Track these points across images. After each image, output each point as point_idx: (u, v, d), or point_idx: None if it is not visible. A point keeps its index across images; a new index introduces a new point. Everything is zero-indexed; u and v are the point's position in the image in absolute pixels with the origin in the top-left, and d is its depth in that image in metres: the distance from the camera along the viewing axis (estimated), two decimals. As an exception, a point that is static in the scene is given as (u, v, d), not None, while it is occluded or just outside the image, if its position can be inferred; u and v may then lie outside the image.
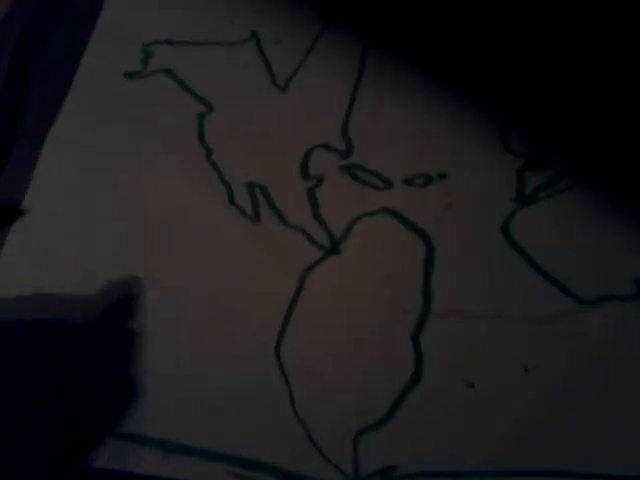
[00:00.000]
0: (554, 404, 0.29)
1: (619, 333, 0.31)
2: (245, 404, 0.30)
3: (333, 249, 0.34)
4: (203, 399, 0.31)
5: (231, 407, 0.30)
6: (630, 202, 0.33)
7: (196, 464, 0.29)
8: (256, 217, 0.35)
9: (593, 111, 0.36)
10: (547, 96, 0.37)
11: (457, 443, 0.29)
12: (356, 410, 0.30)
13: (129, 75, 0.41)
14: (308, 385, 0.30)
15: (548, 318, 0.31)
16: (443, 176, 0.35)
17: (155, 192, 0.36)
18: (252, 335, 0.32)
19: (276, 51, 0.40)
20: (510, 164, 0.35)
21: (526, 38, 0.38)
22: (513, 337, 0.31)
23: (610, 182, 0.34)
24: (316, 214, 0.35)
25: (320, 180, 0.36)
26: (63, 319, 0.32)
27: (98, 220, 0.36)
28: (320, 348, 0.31)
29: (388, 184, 0.35)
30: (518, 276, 0.32)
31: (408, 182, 0.35)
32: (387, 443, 0.29)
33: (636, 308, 0.31)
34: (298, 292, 0.33)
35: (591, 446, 0.29)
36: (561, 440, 0.29)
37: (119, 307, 0.33)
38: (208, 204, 0.36)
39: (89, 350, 0.32)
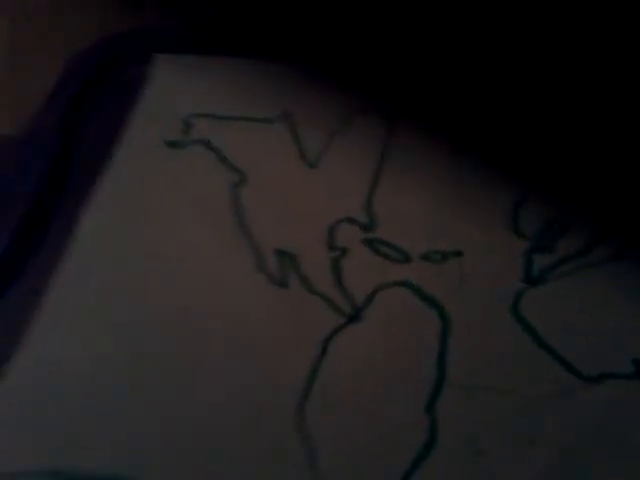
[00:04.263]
0: (557, 475, 0.30)
1: (619, 409, 0.31)
2: (264, 467, 0.31)
3: (355, 316, 0.35)
4: (219, 461, 0.31)
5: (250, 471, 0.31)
6: (629, 286, 0.35)
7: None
8: (283, 283, 0.36)
9: (601, 199, 0.37)
10: (557, 184, 0.38)
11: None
12: (374, 475, 0.30)
13: (170, 144, 0.42)
14: (328, 448, 0.31)
15: (554, 395, 0.32)
16: (458, 254, 0.36)
17: (190, 255, 0.37)
18: (274, 398, 0.32)
19: (307, 129, 0.42)
20: (520, 246, 0.36)
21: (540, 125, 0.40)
22: (521, 411, 0.31)
23: (612, 268, 0.35)
24: (339, 282, 0.36)
25: (344, 251, 0.37)
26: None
27: (131, 285, 0.37)
28: (340, 413, 0.32)
29: (407, 259, 0.37)
30: (526, 353, 0.33)
31: (425, 258, 0.36)
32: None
33: (634, 385, 0.32)
34: (320, 358, 0.34)
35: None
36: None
37: None
38: (239, 269, 0.37)
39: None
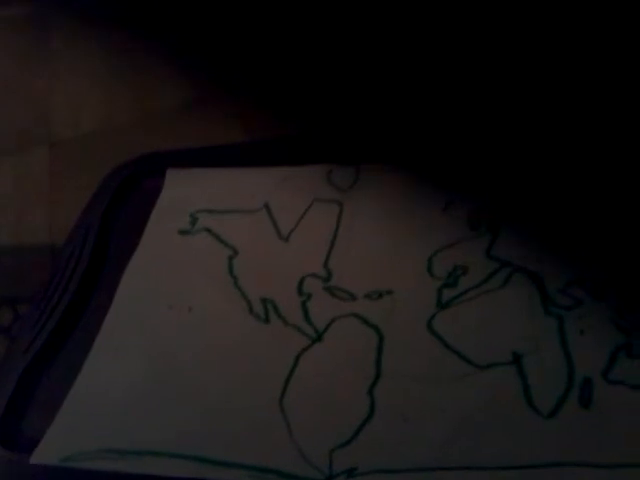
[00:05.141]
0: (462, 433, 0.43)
1: (501, 385, 0.45)
2: (252, 435, 0.44)
3: (317, 339, 0.49)
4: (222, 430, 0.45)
5: (241, 435, 0.44)
6: (508, 305, 0.49)
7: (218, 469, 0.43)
8: (267, 320, 0.51)
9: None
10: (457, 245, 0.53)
11: (397, 455, 0.42)
12: (331, 434, 0.43)
13: (181, 232, 0.58)
14: (300, 422, 0.44)
15: (457, 378, 0.45)
16: (390, 292, 0.51)
17: (200, 306, 0.52)
18: (263, 392, 0.46)
19: (281, 214, 0.58)
20: (433, 284, 0.51)
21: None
22: (434, 390, 0.45)
23: (496, 295, 0.50)
24: (306, 317, 0.50)
25: (309, 296, 0.52)
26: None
27: (159, 326, 0.51)
28: (307, 400, 0.45)
29: (354, 298, 0.51)
30: (438, 353, 0.47)
31: (367, 296, 0.51)
32: (352, 454, 0.42)
33: (512, 369, 0.45)
34: (294, 367, 0.48)
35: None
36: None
37: None
38: (235, 312, 0.51)
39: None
